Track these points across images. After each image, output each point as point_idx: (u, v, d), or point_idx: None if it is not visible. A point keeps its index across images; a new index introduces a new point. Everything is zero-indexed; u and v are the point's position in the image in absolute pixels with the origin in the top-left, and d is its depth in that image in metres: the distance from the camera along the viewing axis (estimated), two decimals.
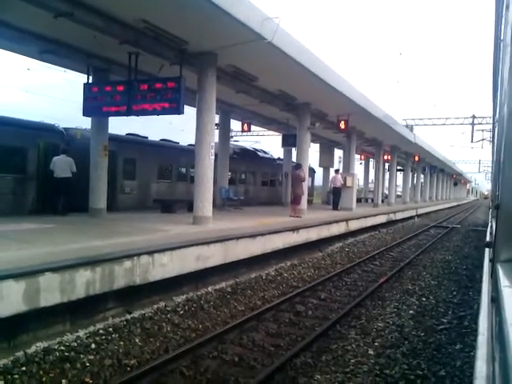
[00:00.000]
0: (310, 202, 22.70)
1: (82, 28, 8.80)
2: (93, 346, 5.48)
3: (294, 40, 11.05)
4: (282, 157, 25.83)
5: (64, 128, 14.14)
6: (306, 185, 16.02)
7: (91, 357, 5.16)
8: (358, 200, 27.79)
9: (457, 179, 71.36)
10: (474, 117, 30.77)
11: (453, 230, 23.83)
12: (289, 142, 21.13)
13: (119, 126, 15.27)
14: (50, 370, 4.75)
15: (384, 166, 32.72)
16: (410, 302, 8.34)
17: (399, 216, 26.37)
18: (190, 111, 12.48)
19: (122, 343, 5.63)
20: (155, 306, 7.27)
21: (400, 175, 38.12)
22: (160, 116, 11.17)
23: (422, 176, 44.35)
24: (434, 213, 38.55)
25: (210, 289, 8.61)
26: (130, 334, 6.00)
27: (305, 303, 8.05)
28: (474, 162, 68.27)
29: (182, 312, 7.11)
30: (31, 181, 12.59)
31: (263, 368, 5.10)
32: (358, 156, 32.51)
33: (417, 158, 34.75)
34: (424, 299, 8.67)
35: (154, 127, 28.29)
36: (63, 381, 4.54)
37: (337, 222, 15.86)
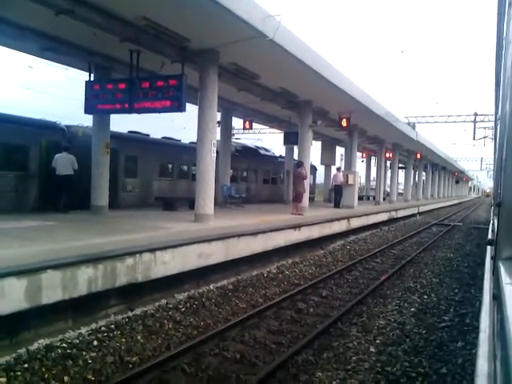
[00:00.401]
0: (311, 199, 22.65)
1: (83, 25, 8.80)
2: (95, 343, 5.50)
3: (296, 38, 11.03)
4: (283, 154, 25.81)
5: (66, 125, 14.14)
6: (307, 182, 16.02)
7: (93, 354, 5.17)
8: (360, 198, 27.78)
9: (459, 177, 71.21)
10: (476, 114, 30.65)
11: (454, 228, 23.80)
12: (291, 139, 21.09)
13: (121, 123, 15.30)
14: (52, 367, 4.77)
15: (386, 163, 32.68)
16: (411, 300, 8.34)
17: (401, 214, 26.36)
18: (191, 109, 12.48)
19: (123, 340, 5.65)
20: (157, 304, 7.29)
21: (402, 173, 38.08)
22: (162, 114, 11.18)
23: (424, 174, 44.30)
24: (436, 210, 38.53)
25: (211, 286, 8.63)
26: (132, 331, 6.01)
27: (306, 301, 8.06)
28: (476, 160, 68.02)
29: (183, 309, 7.12)
30: (33, 178, 12.60)
31: (265, 365, 5.11)
32: (359, 154, 32.48)
33: (419, 156, 34.68)
34: (425, 297, 8.66)
35: (156, 125, 28.31)
36: (65, 378, 4.55)
37: (338, 219, 15.86)
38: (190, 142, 19.77)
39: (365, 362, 5.29)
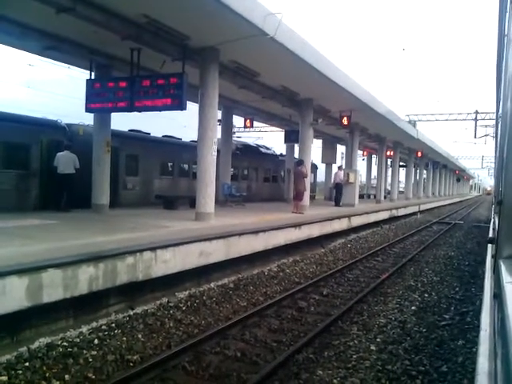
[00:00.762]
0: (312, 198, 22.66)
1: (84, 24, 8.79)
2: (96, 341, 5.51)
3: (297, 35, 11.01)
4: (284, 153, 25.80)
5: (67, 124, 14.14)
6: (308, 181, 16.01)
7: (94, 352, 5.18)
8: (361, 196, 27.76)
9: (460, 175, 71.14)
10: (477, 112, 30.63)
11: (455, 226, 23.79)
12: (291, 137, 21.08)
13: (122, 122, 15.29)
14: (53, 366, 4.78)
15: (387, 161, 32.65)
16: (412, 298, 8.34)
17: (402, 212, 26.34)
18: (192, 107, 12.47)
19: (124, 339, 5.66)
20: (158, 302, 7.30)
21: (403, 171, 38.04)
22: (163, 112, 11.17)
23: (425, 172, 44.25)
24: (437, 209, 38.51)
25: (212, 285, 8.64)
26: (133, 329, 6.02)
27: (307, 299, 8.06)
28: (477, 158, 67.98)
29: (184, 308, 7.13)
30: (34, 177, 12.61)
31: (266, 364, 5.11)
32: (360, 152, 32.44)
33: (420, 154, 34.63)
34: (426, 295, 8.66)
35: (157, 123, 28.29)
36: (66, 376, 4.56)
37: (339, 218, 15.85)
38: (191, 141, 19.77)
39: (365, 360, 5.29)
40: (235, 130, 30.04)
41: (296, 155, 21.55)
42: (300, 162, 15.66)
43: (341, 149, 33.92)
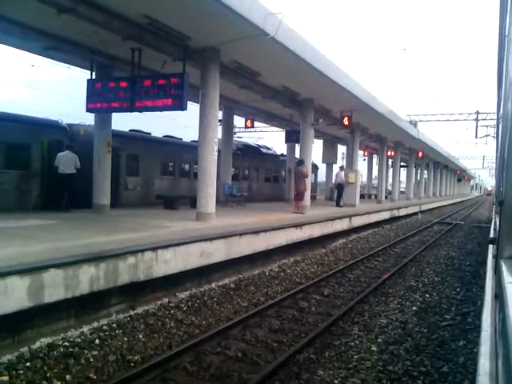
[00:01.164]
0: (313, 198, 22.64)
1: (85, 24, 8.81)
2: (97, 341, 5.51)
3: (297, 35, 11.00)
4: (285, 153, 25.80)
5: (67, 124, 14.16)
6: (308, 181, 16.00)
7: (95, 352, 5.18)
8: (362, 196, 27.74)
9: (461, 175, 71.07)
10: (478, 112, 30.60)
11: (456, 227, 23.76)
12: (292, 138, 21.09)
13: (122, 122, 15.30)
14: (55, 366, 4.78)
15: (387, 162, 32.62)
16: (413, 299, 8.33)
17: (403, 212, 26.31)
18: (193, 107, 12.48)
19: (125, 339, 5.66)
20: (159, 302, 7.30)
21: (404, 171, 38.01)
22: (163, 112, 11.17)
23: (426, 172, 44.21)
24: (438, 209, 38.47)
25: (213, 285, 8.64)
26: (134, 329, 6.02)
27: (308, 299, 8.06)
28: (478, 158, 67.91)
29: (185, 308, 7.13)
30: (35, 177, 12.62)
31: (266, 364, 5.11)
32: (361, 152, 32.42)
33: (420, 154, 34.62)
34: (427, 295, 8.66)
35: (158, 123, 28.30)
36: (67, 376, 4.56)
37: (340, 218, 15.84)
38: (192, 141, 19.78)
39: (366, 360, 5.29)
40: (236, 130, 30.04)
41: (297, 155, 21.53)
42: (301, 162, 15.66)
43: (341, 149, 33.93)
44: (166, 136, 19.94)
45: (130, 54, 10.51)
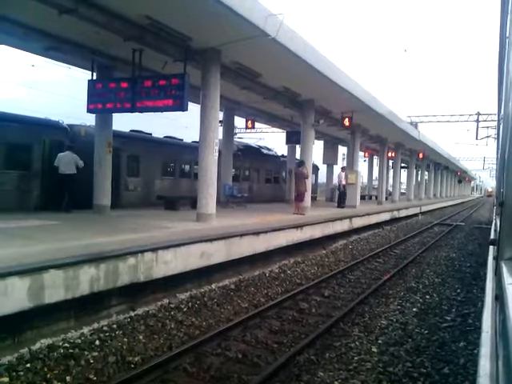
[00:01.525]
0: (313, 199, 22.64)
1: (86, 24, 8.82)
2: (97, 342, 5.51)
3: (298, 36, 11.01)
4: (285, 154, 25.79)
5: (68, 125, 14.17)
6: (309, 182, 16.00)
7: (95, 353, 5.18)
8: (362, 197, 27.74)
9: (461, 176, 71.04)
10: (478, 114, 30.56)
11: (457, 228, 23.75)
12: (293, 138, 21.09)
13: (123, 122, 15.30)
14: (55, 367, 4.77)
15: (388, 163, 32.60)
16: (413, 300, 8.32)
17: (403, 213, 26.31)
18: (194, 108, 12.48)
19: (125, 340, 5.65)
20: (159, 303, 7.29)
21: (404, 172, 38.00)
22: (164, 113, 11.16)
23: (427, 173, 44.19)
24: (438, 210, 38.47)
25: (213, 286, 8.63)
26: (134, 330, 6.02)
27: (308, 300, 8.05)
28: (479, 160, 67.86)
29: (185, 309, 7.12)
30: (36, 177, 12.63)
31: (267, 365, 5.11)
32: (362, 153, 32.40)
33: (421, 156, 34.60)
34: (428, 297, 8.65)
35: (158, 124, 28.31)
36: (67, 378, 4.56)
37: (340, 219, 15.84)
38: (193, 141, 19.79)
39: (367, 362, 5.29)
40: (237, 130, 30.03)
41: (297, 156, 21.54)
42: (301, 163, 15.66)
43: (342, 150, 33.93)
44: (167, 137, 19.95)
45: (131, 55, 10.51)
